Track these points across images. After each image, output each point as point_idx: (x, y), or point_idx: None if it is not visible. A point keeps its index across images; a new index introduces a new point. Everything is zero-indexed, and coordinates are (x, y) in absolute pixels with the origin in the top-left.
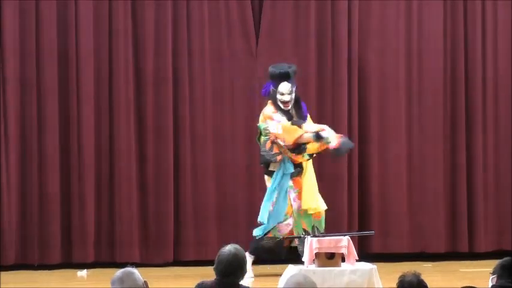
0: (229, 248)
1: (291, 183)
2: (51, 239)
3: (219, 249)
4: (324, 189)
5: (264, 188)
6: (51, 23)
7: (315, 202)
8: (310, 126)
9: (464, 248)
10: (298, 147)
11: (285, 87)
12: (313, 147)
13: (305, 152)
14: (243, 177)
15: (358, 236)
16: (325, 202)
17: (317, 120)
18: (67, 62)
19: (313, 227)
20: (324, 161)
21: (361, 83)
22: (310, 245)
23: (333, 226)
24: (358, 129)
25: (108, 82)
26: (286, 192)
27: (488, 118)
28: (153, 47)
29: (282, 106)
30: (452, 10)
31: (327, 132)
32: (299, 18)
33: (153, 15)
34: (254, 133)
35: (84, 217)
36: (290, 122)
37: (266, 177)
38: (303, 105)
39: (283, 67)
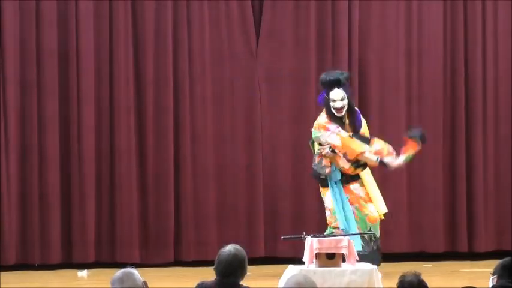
0: (229, 248)
1: (341, 188)
2: (51, 239)
3: (219, 249)
4: None
5: (265, 188)
6: (51, 23)
7: (383, 206)
8: (371, 146)
9: (463, 248)
10: (358, 163)
11: (336, 93)
12: (371, 163)
13: (364, 168)
14: (243, 177)
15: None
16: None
17: None
18: (67, 62)
19: (369, 231)
20: None
21: (361, 83)
22: (311, 245)
23: None
24: None
25: (108, 82)
26: (344, 199)
27: (488, 118)
28: (153, 47)
29: (335, 113)
30: (452, 10)
31: (389, 157)
32: (299, 18)
33: (153, 15)
34: (254, 133)
35: (85, 217)
36: (348, 135)
37: (321, 188)
38: (358, 113)
39: (335, 74)
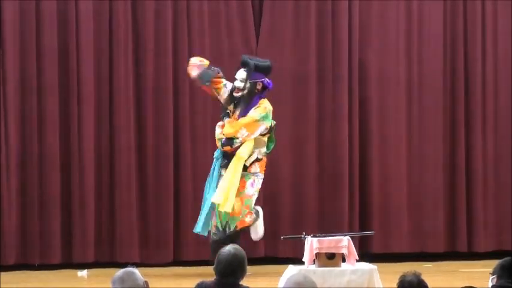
0: (228, 248)
1: (222, 171)
2: (51, 239)
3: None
4: (324, 189)
5: (265, 188)
6: (51, 23)
7: (220, 198)
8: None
9: (463, 248)
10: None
11: (239, 73)
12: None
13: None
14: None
15: (358, 236)
16: (326, 202)
17: (317, 120)
18: (67, 62)
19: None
20: (324, 161)
21: (361, 83)
22: (311, 245)
23: (333, 226)
24: (359, 129)
25: (108, 82)
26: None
27: (488, 118)
28: (153, 47)
29: (234, 92)
30: (452, 10)
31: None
32: (299, 18)
33: (153, 15)
34: None
35: (85, 217)
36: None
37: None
38: (254, 103)
39: (250, 58)
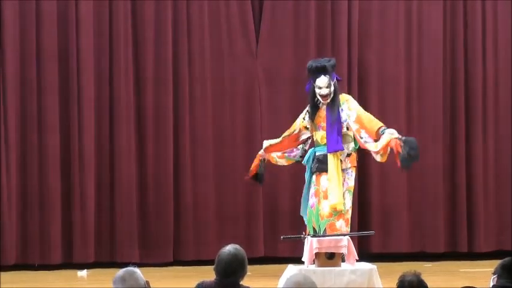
0: (228, 248)
1: (313, 178)
2: (51, 239)
3: (219, 249)
4: None
5: (265, 188)
6: (51, 23)
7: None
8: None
9: (464, 248)
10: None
11: (322, 80)
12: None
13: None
14: (242, 177)
15: (358, 236)
16: None
17: None
18: (67, 62)
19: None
20: None
21: (361, 83)
22: (310, 245)
23: None
24: None
25: (108, 82)
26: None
27: (488, 118)
28: (153, 47)
29: (321, 100)
30: (452, 10)
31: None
32: (299, 18)
33: (153, 15)
34: (254, 133)
35: (85, 217)
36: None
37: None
38: (339, 109)
39: (321, 61)
